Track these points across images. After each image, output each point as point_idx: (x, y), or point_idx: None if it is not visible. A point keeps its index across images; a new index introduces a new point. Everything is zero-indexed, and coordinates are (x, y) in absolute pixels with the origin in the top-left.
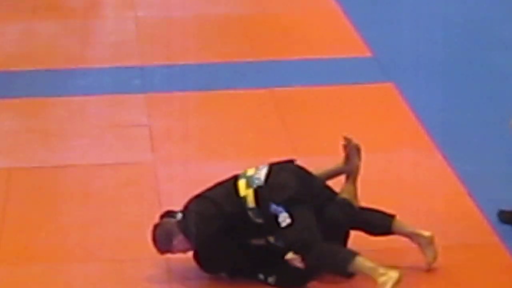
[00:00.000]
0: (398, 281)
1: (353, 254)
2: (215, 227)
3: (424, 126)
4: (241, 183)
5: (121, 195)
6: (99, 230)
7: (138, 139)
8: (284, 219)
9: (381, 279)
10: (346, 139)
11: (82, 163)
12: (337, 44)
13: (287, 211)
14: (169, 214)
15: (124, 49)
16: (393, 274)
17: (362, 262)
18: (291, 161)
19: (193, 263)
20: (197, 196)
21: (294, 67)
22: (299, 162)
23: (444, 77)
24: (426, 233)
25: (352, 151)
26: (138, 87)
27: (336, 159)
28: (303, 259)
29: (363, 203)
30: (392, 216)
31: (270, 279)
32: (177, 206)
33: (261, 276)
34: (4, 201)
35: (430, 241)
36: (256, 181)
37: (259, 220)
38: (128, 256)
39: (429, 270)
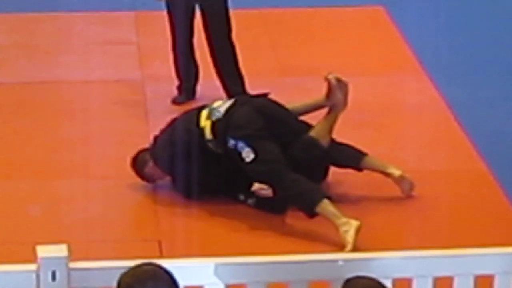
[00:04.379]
0: (358, 229)
1: (323, 195)
2: (170, 153)
3: (412, 50)
4: (203, 114)
5: (109, 112)
6: (86, 147)
7: (127, 57)
8: (248, 154)
9: (343, 228)
10: (327, 78)
11: (69, 79)
12: None
13: (250, 146)
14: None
15: None
16: (354, 223)
17: (328, 206)
18: (264, 95)
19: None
20: (172, 121)
21: None
22: (287, 82)
23: (433, 1)
24: (397, 172)
25: (334, 85)
26: (128, 5)
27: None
28: (272, 189)
29: (347, 129)
30: (363, 154)
31: (250, 201)
32: (165, 123)
33: (242, 197)
34: None
35: (401, 178)
36: (217, 114)
37: (220, 151)
38: (115, 173)
39: (413, 196)
